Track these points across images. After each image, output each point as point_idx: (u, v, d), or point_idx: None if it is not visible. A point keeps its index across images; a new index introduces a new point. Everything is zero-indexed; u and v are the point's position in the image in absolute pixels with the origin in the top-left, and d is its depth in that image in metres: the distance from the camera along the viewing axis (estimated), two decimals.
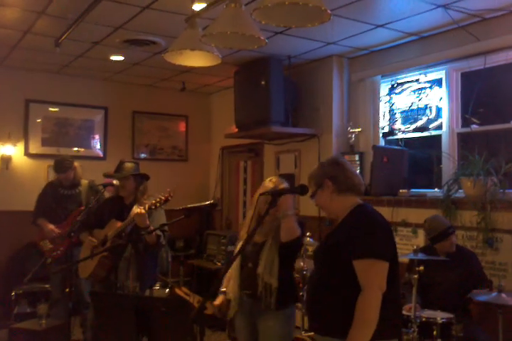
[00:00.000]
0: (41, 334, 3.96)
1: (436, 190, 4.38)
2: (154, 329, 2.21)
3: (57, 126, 6.20)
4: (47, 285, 5.10)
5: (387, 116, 5.01)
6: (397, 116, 4.92)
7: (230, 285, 2.97)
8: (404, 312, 3.23)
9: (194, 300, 4.22)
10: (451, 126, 4.41)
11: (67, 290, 3.55)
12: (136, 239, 3.46)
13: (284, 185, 2.94)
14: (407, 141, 4.85)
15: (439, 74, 4.56)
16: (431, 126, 4.60)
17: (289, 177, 5.04)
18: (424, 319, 3.19)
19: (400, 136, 4.87)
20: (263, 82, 5.03)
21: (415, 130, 4.73)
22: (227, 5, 2.68)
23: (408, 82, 4.84)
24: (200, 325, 1.96)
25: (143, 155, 6.77)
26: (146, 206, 3.38)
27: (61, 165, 4.62)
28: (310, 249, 3.75)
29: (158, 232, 3.49)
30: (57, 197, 4.68)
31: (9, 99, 5.90)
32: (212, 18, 2.84)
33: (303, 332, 3.49)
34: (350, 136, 5.05)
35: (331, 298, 2.19)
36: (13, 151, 5.90)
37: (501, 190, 3.76)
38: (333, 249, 2.23)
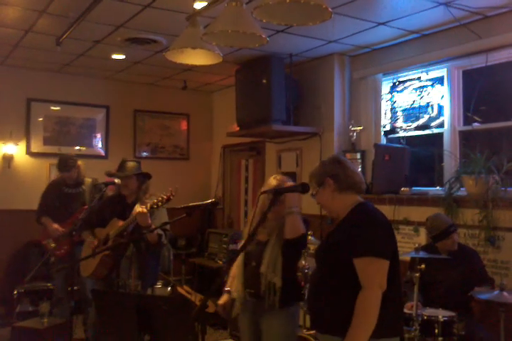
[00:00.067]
0: (43, 333, 3.98)
1: (438, 188, 4.38)
2: (156, 327, 2.21)
3: (58, 124, 6.21)
4: (49, 284, 5.12)
5: (389, 114, 5.00)
6: (399, 114, 4.91)
7: (233, 284, 2.95)
8: (405, 310, 3.24)
9: (196, 298, 4.23)
10: (453, 124, 4.40)
11: (70, 289, 3.56)
12: (138, 238, 3.46)
13: (289, 182, 2.91)
14: (408, 139, 4.84)
15: (440, 72, 4.56)
16: (432, 124, 4.59)
17: (291, 176, 5.02)
18: (425, 317, 3.19)
19: (401, 134, 4.86)
20: (264, 81, 5.03)
21: (417, 128, 4.72)
22: (228, 3, 2.69)
23: (410, 80, 4.83)
24: (202, 323, 1.96)
25: (144, 154, 6.77)
26: (148, 205, 3.38)
27: (65, 163, 4.62)
28: (312, 247, 3.75)
29: (160, 231, 3.48)
30: (61, 195, 4.69)
31: (11, 98, 5.91)
32: (214, 16, 2.84)
33: (304, 331, 3.49)
34: (351, 134, 5.05)
35: (331, 296, 2.19)
36: (15, 150, 5.91)
37: (503, 188, 3.75)
38: (333, 247, 2.23)
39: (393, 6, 3.81)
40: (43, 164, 6.03)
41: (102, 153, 6.45)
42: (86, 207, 4.46)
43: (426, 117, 4.65)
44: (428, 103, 4.64)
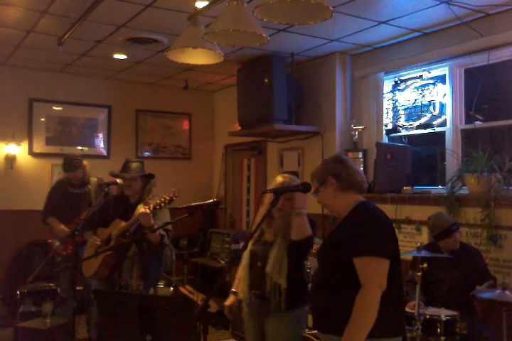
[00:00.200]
0: (46, 333, 3.99)
1: (439, 187, 4.37)
2: (158, 327, 2.21)
3: (60, 124, 6.22)
4: (51, 284, 5.13)
5: (391, 113, 4.99)
6: (401, 113, 4.90)
7: (240, 285, 2.91)
8: (407, 309, 3.23)
9: (198, 298, 4.23)
10: (455, 123, 4.40)
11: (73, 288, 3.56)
12: (140, 238, 3.46)
13: (296, 182, 2.86)
14: (410, 137, 4.83)
15: (442, 70, 4.55)
16: (434, 123, 4.58)
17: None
18: (428, 316, 3.18)
19: (403, 132, 4.85)
20: (266, 80, 5.03)
21: (419, 127, 4.71)
22: (229, 3, 2.69)
23: (411, 78, 4.82)
24: (204, 323, 1.96)
25: (146, 154, 6.78)
26: (151, 205, 3.38)
27: (70, 163, 4.62)
28: (314, 247, 3.75)
29: (162, 232, 3.48)
30: (66, 195, 4.69)
31: (13, 98, 5.92)
32: (215, 16, 2.84)
33: (307, 330, 3.49)
34: (353, 133, 5.05)
35: (333, 296, 2.19)
36: (17, 151, 5.92)
37: (505, 187, 3.74)
38: (335, 246, 2.23)
39: (394, 4, 3.81)
40: (46, 164, 6.04)
41: (104, 153, 6.46)
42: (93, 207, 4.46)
43: (428, 116, 4.64)
44: (430, 102, 4.63)
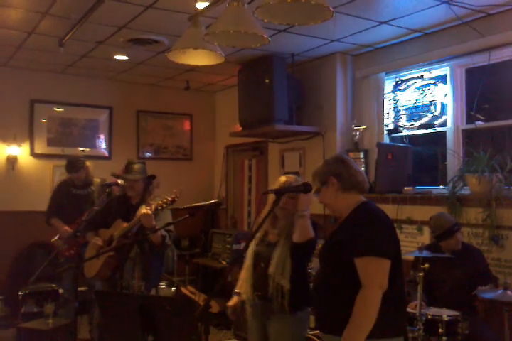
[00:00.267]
0: (48, 334, 3.99)
1: (441, 187, 4.37)
2: (160, 328, 2.21)
3: (62, 126, 6.22)
4: (53, 285, 5.13)
5: (392, 113, 4.99)
6: (402, 113, 4.90)
7: (243, 286, 2.90)
8: (409, 309, 3.23)
9: (200, 298, 4.23)
10: (456, 123, 4.39)
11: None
12: (142, 239, 3.46)
13: (298, 182, 2.82)
14: (411, 138, 4.83)
15: (443, 70, 4.55)
16: (435, 123, 4.57)
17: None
18: (429, 316, 3.18)
19: (404, 133, 4.85)
20: (267, 80, 5.03)
21: (420, 127, 4.71)
22: (230, 3, 2.69)
23: (412, 78, 4.82)
24: (205, 324, 1.96)
25: (148, 155, 6.78)
26: (153, 206, 3.38)
27: (73, 165, 4.63)
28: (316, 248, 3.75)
29: (164, 233, 3.48)
30: (70, 196, 4.70)
31: (14, 99, 5.93)
32: (215, 16, 2.84)
33: (308, 330, 3.49)
34: (354, 133, 5.04)
35: (334, 296, 2.19)
36: (19, 152, 5.93)
37: (507, 187, 3.74)
38: (336, 247, 2.23)
39: (395, 4, 3.81)
40: (47, 165, 6.05)
41: (106, 153, 6.46)
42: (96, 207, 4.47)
43: (429, 116, 4.64)
44: (431, 102, 4.63)
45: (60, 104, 6.19)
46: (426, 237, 4.24)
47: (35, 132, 6.05)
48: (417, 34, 4.50)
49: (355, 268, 2.10)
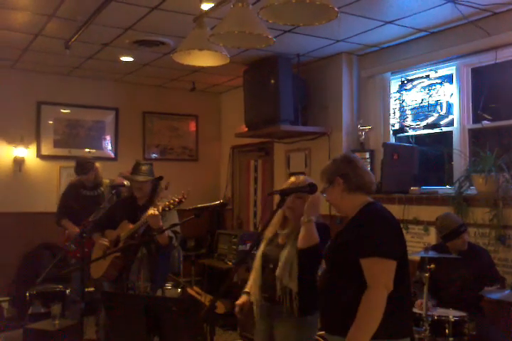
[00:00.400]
0: (55, 335, 4.00)
1: (447, 187, 4.34)
2: (165, 328, 2.21)
3: (68, 127, 6.25)
4: (60, 286, 5.15)
5: (398, 113, 4.98)
6: (408, 112, 4.89)
7: (252, 287, 2.88)
8: (415, 309, 3.21)
9: (205, 299, 4.24)
10: (462, 122, 4.37)
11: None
12: (149, 240, 3.47)
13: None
14: (417, 137, 4.81)
15: (449, 69, 4.53)
16: (442, 123, 4.56)
17: None
18: (436, 317, 3.16)
19: (410, 133, 4.83)
20: (272, 81, 5.03)
21: (426, 127, 4.69)
22: (235, 4, 2.69)
23: (418, 78, 4.80)
24: (211, 324, 1.96)
25: (154, 156, 6.80)
26: (160, 207, 3.39)
27: (82, 166, 4.64)
28: None
29: (171, 234, 3.48)
30: (80, 198, 4.72)
31: (21, 101, 5.96)
32: (220, 17, 2.85)
33: None
34: (360, 133, 5.04)
35: (340, 297, 2.18)
36: (26, 153, 5.96)
37: None
38: (342, 247, 2.22)
39: (400, 4, 3.80)
40: (54, 167, 6.08)
41: (112, 155, 6.49)
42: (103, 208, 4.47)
43: (435, 116, 4.62)
44: (437, 101, 4.61)
45: (66, 105, 6.22)
46: (432, 237, 4.23)
47: (42, 134, 6.08)
48: (423, 33, 4.48)
49: (361, 269, 2.10)
